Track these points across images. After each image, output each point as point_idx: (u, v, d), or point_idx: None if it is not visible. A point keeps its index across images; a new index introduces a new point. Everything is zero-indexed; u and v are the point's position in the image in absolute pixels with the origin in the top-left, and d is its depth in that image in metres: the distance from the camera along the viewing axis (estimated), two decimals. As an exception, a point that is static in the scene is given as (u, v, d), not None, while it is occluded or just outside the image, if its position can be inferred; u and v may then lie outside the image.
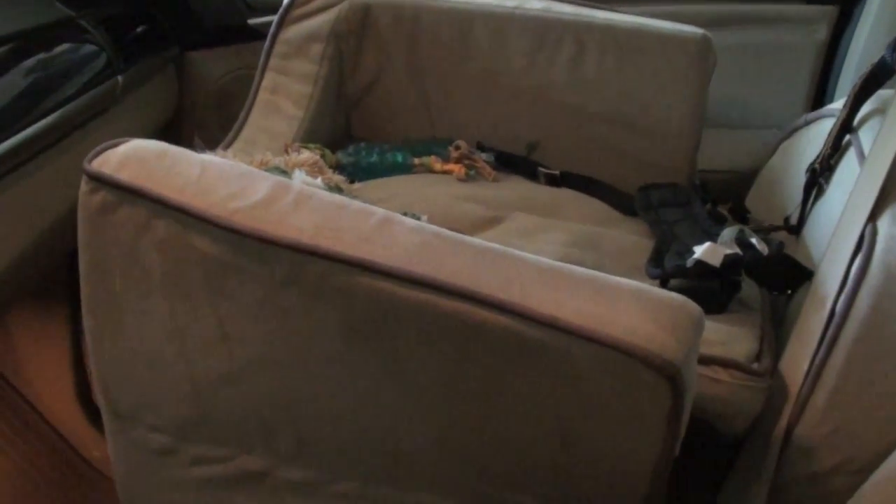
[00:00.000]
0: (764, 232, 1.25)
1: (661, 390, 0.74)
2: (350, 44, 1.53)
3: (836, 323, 0.95)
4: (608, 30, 1.47)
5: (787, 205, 1.33)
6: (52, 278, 1.47)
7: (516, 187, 1.46)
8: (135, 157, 0.87)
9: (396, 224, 0.82)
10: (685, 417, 0.78)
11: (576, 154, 1.52)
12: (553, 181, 1.50)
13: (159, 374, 0.93)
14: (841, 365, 0.94)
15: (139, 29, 1.65)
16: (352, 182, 1.33)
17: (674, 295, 0.79)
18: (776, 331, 1.12)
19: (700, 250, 1.09)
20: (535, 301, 0.76)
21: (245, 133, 1.41)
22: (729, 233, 1.16)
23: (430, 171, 1.46)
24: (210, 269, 0.84)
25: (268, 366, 0.87)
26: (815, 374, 0.96)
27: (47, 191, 1.26)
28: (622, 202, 1.44)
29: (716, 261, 1.07)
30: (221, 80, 1.81)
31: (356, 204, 0.85)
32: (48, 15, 1.39)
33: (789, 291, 1.16)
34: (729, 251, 1.09)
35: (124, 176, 0.85)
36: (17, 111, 1.19)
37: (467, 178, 1.43)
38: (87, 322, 0.93)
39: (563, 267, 0.80)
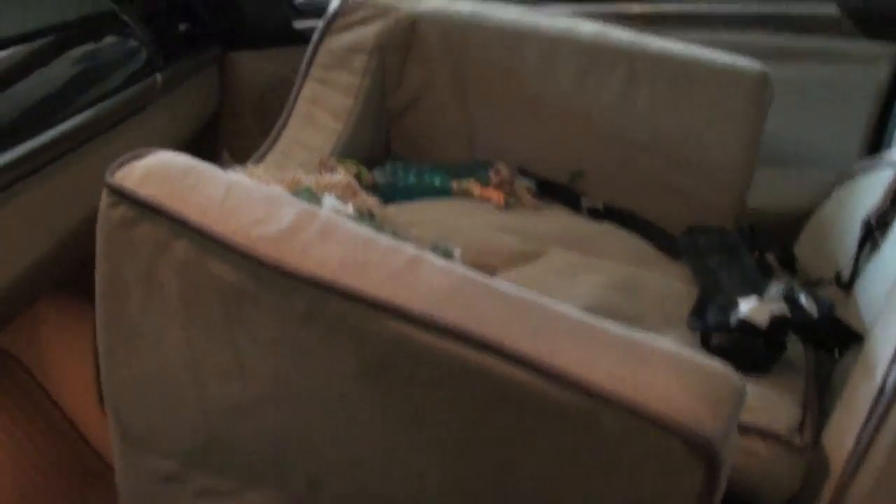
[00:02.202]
0: (812, 286, 1.19)
1: (695, 469, 0.69)
2: (394, 58, 1.51)
3: (886, 397, 0.89)
4: (662, 59, 1.44)
5: (839, 257, 1.29)
6: (82, 274, 1.46)
7: (557, 219, 1.43)
8: (158, 171, 0.85)
9: (425, 264, 0.79)
10: (719, 496, 0.73)
11: (620, 185, 1.49)
12: (596, 214, 1.46)
13: (171, 400, 0.90)
14: (890, 444, 0.88)
15: (181, 26, 1.63)
16: (386, 203, 1.29)
17: (715, 364, 0.74)
18: (821, 392, 1.07)
19: (746, 308, 1.05)
20: (564, 359, 0.72)
21: (280, 145, 1.39)
22: (777, 290, 1.11)
23: (469, 195, 1.42)
24: (228, 296, 0.81)
25: (282, 402, 0.84)
26: (861, 452, 0.90)
27: (84, 185, 1.25)
28: (665, 242, 1.40)
29: (762, 321, 1.03)
30: (264, 84, 1.78)
31: (384, 239, 0.81)
32: (90, 7, 1.38)
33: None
34: (776, 310, 1.04)
35: (146, 192, 0.83)
36: (55, 104, 1.19)
37: (506, 207, 1.40)
38: (100, 340, 0.92)
39: (596, 323, 0.76)
